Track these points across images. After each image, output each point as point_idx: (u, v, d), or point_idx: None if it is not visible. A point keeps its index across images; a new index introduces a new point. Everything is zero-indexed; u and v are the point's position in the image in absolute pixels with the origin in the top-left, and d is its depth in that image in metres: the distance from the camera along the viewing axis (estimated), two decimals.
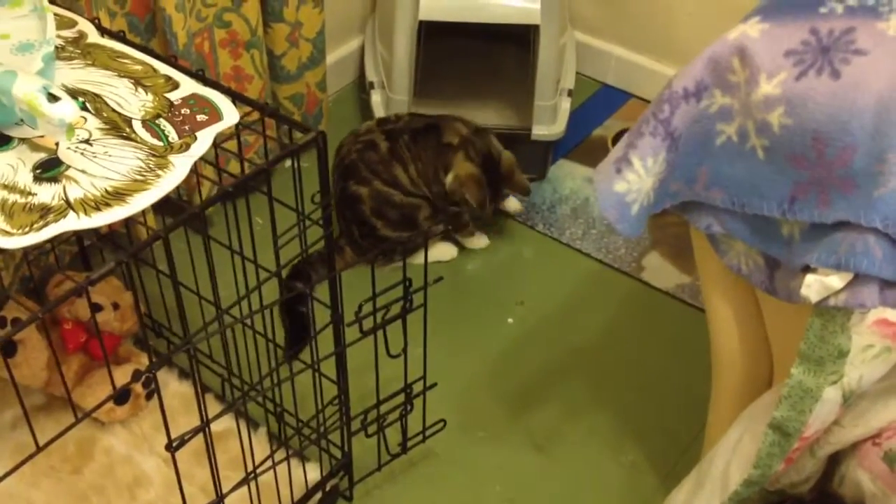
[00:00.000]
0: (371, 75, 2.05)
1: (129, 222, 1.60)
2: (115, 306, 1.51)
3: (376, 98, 2.00)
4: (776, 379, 1.12)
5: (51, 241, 1.57)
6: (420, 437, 1.46)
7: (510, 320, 1.79)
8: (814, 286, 0.91)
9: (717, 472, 1.07)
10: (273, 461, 1.27)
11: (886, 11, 0.92)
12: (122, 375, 1.44)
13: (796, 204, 0.94)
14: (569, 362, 1.72)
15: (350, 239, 1.81)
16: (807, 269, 0.93)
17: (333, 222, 1.74)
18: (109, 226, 1.62)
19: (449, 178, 1.76)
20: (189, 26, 1.62)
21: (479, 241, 1.91)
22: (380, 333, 1.25)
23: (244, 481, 1.24)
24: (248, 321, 1.20)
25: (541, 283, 1.87)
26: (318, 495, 1.40)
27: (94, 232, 1.60)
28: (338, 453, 1.41)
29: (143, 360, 1.51)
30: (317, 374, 1.28)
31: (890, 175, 0.87)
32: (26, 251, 1.57)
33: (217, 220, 1.72)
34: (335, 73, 2.18)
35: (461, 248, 1.90)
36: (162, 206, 1.62)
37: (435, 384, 1.41)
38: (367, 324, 1.22)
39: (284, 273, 1.41)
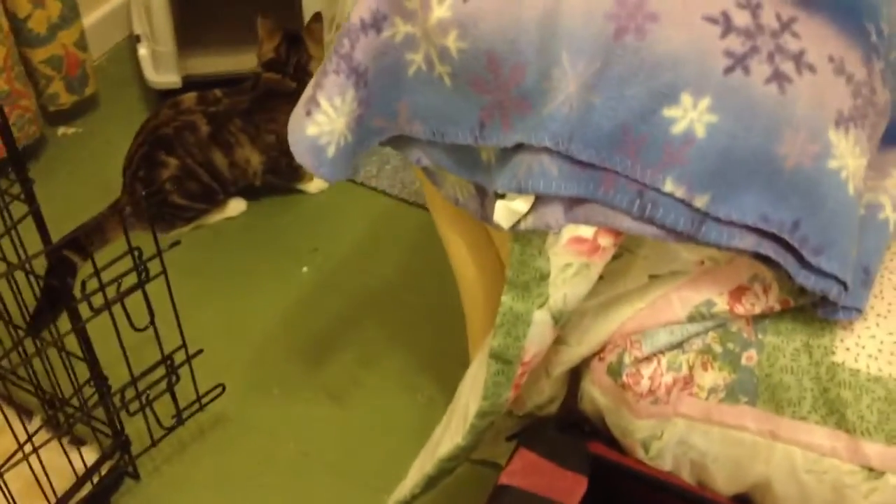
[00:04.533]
0: (137, 27, 1.94)
1: None
2: None
3: (143, 52, 1.89)
4: None
5: None
6: (196, 406, 1.41)
7: (304, 269, 1.74)
8: (501, 211, 0.89)
9: (460, 407, 1.06)
10: (31, 445, 1.19)
11: None
12: None
13: (485, 129, 0.91)
14: (366, 306, 1.69)
15: (132, 200, 1.73)
16: (499, 195, 0.91)
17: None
18: None
19: None
20: None
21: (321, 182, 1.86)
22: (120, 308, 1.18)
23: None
24: None
25: (336, 226, 1.82)
26: (96, 478, 1.34)
27: None
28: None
29: None
30: (63, 353, 1.22)
31: (556, 92, 0.84)
32: None
33: None
34: (104, 30, 2.06)
35: (250, 200, 1.84)
36: None
37: (200, 351, 1.36)
38: (98, 301, 1.15)
39: None
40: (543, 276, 0.91)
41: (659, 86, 0.83)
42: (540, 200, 0.88)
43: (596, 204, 0.88)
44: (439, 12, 0.88)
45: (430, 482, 1.10)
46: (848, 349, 0.92)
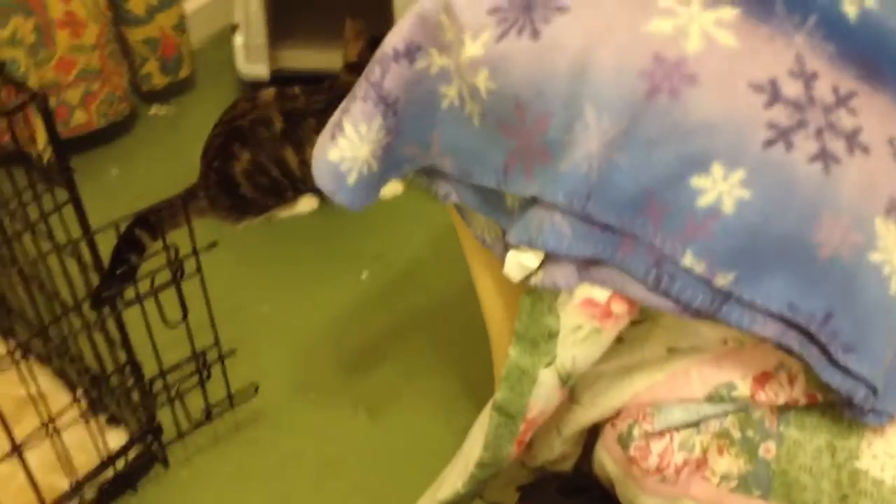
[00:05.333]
0: (236, 16, 1.95)
1: None
2: None
3: (238, 41, 1.91)
4: None
5: None
6: (227, 404, 1.42)
7: (364, 275, 1.73)
8: (511, 264, 0.84)
9: (464, 453, 1.02)
10: (52, 425, 1.22)
11: None
12: None
13: (509, 175, 0.86)
14: (419, 321, 1.66)
15: (206, 188, 1.76)
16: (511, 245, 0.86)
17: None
18: None
19: None
20: None
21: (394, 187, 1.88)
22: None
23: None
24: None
25: (404, 235, 1.80)
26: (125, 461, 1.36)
27: None
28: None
29: None
30: (98, 333, 1.25)
31: (574, 147, 0.79)
32: None
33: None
34: (210, 14, 2.09)
35: (323, 199, 1.84)
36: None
37: (234, 350, 1.36)
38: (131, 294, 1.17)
39: None
40: (552, 334, 0.86)
41: (689, 152, 0.77)
42: (551, 258, 0.83)
43: (613, 267, 0.83)
44: (472, 50, 0.85)
45: None
46: (875, 456, 0.84)
